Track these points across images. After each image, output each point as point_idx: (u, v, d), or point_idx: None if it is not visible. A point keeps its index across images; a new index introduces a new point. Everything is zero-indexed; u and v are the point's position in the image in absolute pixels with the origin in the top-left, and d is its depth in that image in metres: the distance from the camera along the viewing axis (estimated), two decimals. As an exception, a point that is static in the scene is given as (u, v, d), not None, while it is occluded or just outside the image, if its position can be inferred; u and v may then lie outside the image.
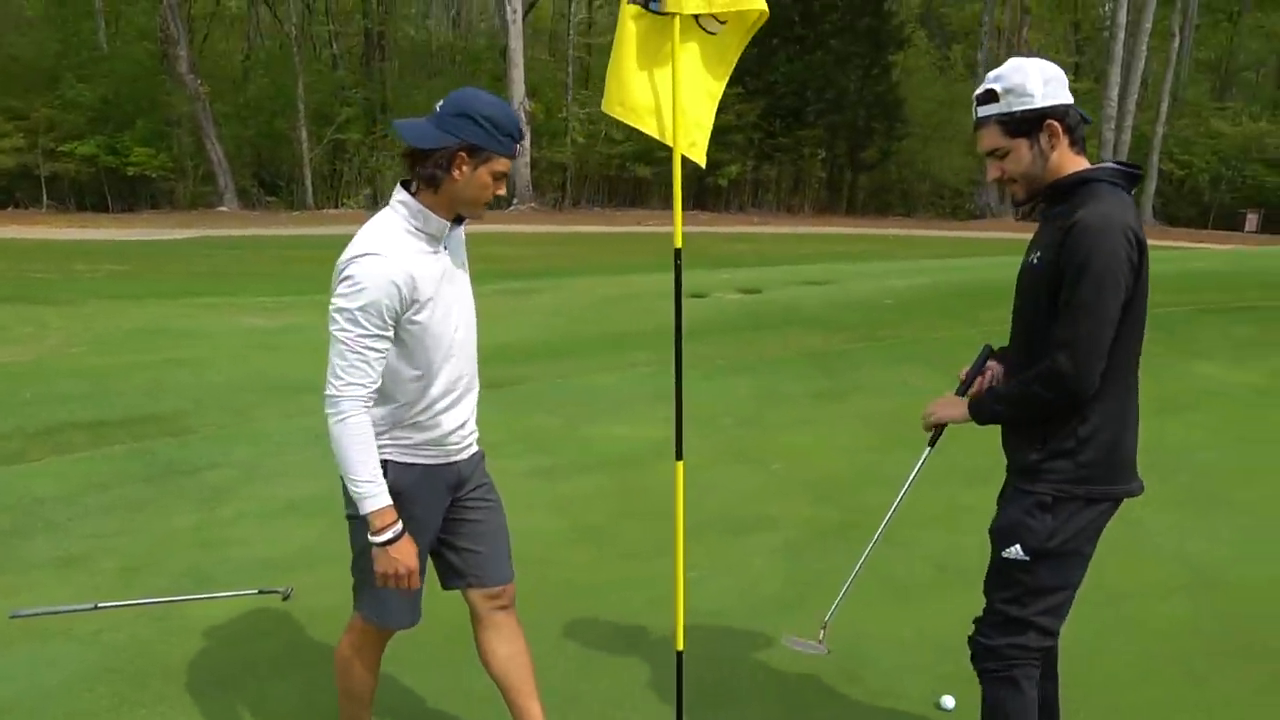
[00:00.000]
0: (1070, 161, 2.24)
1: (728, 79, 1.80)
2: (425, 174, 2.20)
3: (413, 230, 2.25)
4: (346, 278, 2.19)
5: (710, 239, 23.46)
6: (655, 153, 34.49)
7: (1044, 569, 2.25)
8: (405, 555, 2.28)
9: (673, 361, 2.87)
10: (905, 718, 3.04)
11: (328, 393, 2.18)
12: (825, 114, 34.97)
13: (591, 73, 40.42)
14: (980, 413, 2.34)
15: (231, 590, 3.83)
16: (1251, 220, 29.42)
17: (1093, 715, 2.97)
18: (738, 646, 3.45)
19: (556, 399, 6.66)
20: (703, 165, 1.95)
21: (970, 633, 2.39)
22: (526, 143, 30.58)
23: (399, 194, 2.27)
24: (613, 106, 1.81)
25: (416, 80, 39.41)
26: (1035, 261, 2.25)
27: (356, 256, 2.21)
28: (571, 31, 35.76)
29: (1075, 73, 39.55)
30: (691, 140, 1.81)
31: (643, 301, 10.16)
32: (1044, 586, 2.27)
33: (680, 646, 2.50)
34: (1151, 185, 31.66)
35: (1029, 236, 2.40)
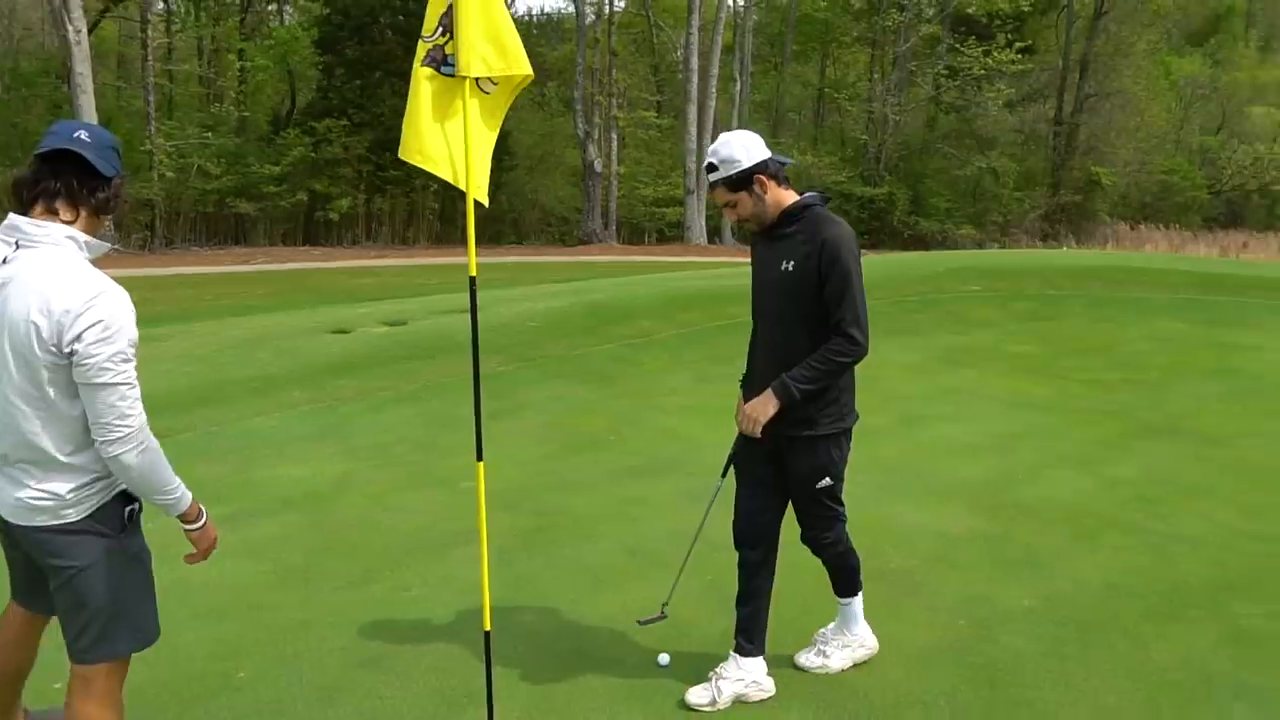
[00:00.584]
0: (784, 196, 3.06)
1: (498, 130, 2.10)
2: (100, 201, 2.29)
3: (88, 260, 2.31)
4: (96, 322, 2.18)
5: (330, 274, 22.78)
6: (258, 187, 32.63)
7: (839, 486, 3.26)
8: (213, 529, 2.62)
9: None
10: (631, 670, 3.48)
11: (123, 434, 2.24)
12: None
13: (175, 102, 37.21)
14: (790, 395, 3.02)
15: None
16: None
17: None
18: (473, 648, 3.67)
19: (218, 447, 6.32)
20: (486, 204, 2.22)
21: (802, 535, 3.34)
22: (105, 177, 27.41)
23: (57, 228, 2.26)
24: (411, 155, 2.02)
25: (-52, 106, 33.73)
26: (790, 269, 2.99)
27: (99, 301, 2.20)
28: (150, 57, 32.68)
29: (658, 110, 43.75)
30: (478, 183, 2.08)
31: (279, 341, 9.79)
32: (840, 494, 3.28)
33: (487, 626, 2.73)
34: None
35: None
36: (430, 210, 36.16)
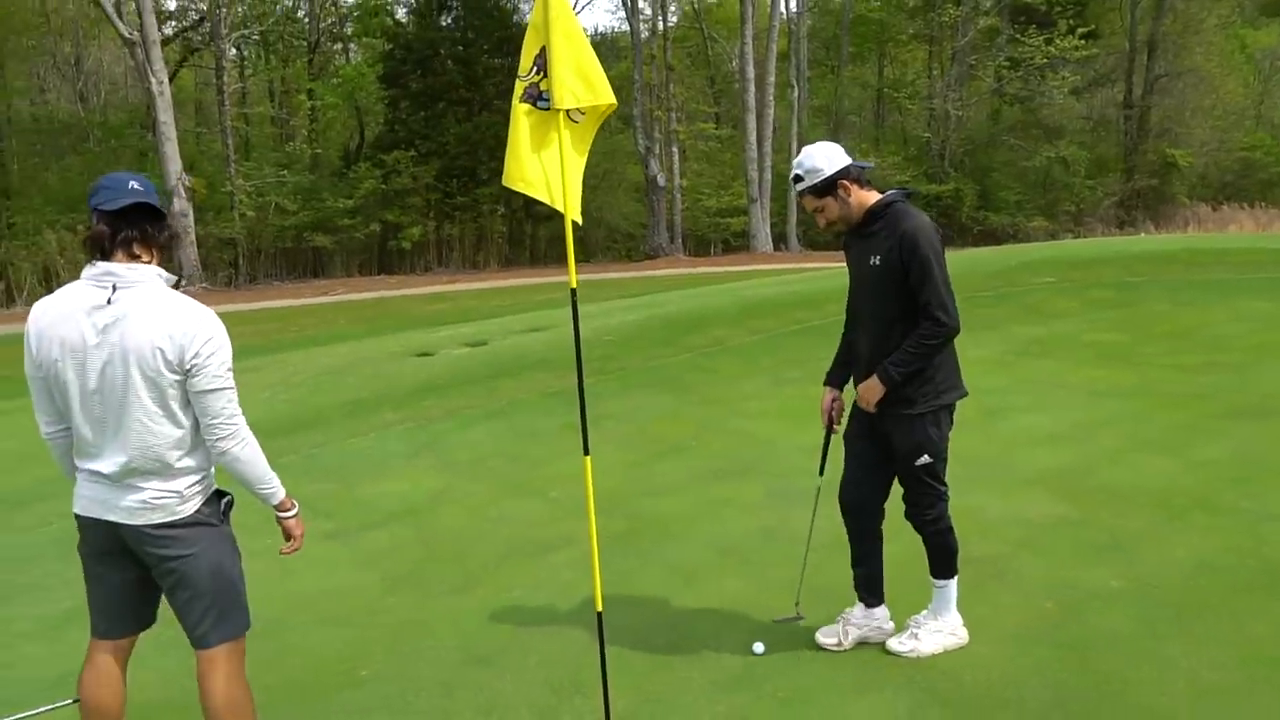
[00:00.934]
0: (868, 197, 3.35)
1: (586, 154, 2.32)
2: (166, 238, 2.68)
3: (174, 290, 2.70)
4: (210, 339, 2.61)
5: (407, 301, 23.43)
6: (332, 221, 33.72)
7: (940, 464, 3.45)
8: (302, 521, 2.97)
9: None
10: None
11: (232, 430, 2.68)
12: (499, 171, 36.01)
13: (251, 144, 38.72)
14: (890, 379, 3.32)
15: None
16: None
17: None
18: (577, 643, 3.87)
19: (320, 467, 6.68)
20: (580, 223, 2.44)
21: (906, 511, 3.54)
22: (190, 221, 28.68)
23: (146, 269, 2.62)
24: (514, 181, 2.25)
25: (44, 161, 35.62)
26: (878, 263, 3.26)
27: (206, 321, 2.63)
28: (226, 102, 34.12)
29: (716, 121, 43.89)
30: (573, 205, 2.30)
31: (367, 366, 10.21)
32: (941, 473, 3.47)
33: (599, 608, 2.92)
34: (794, 216, 35.89)
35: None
36: (499, 234, 36.83)
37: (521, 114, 2.15)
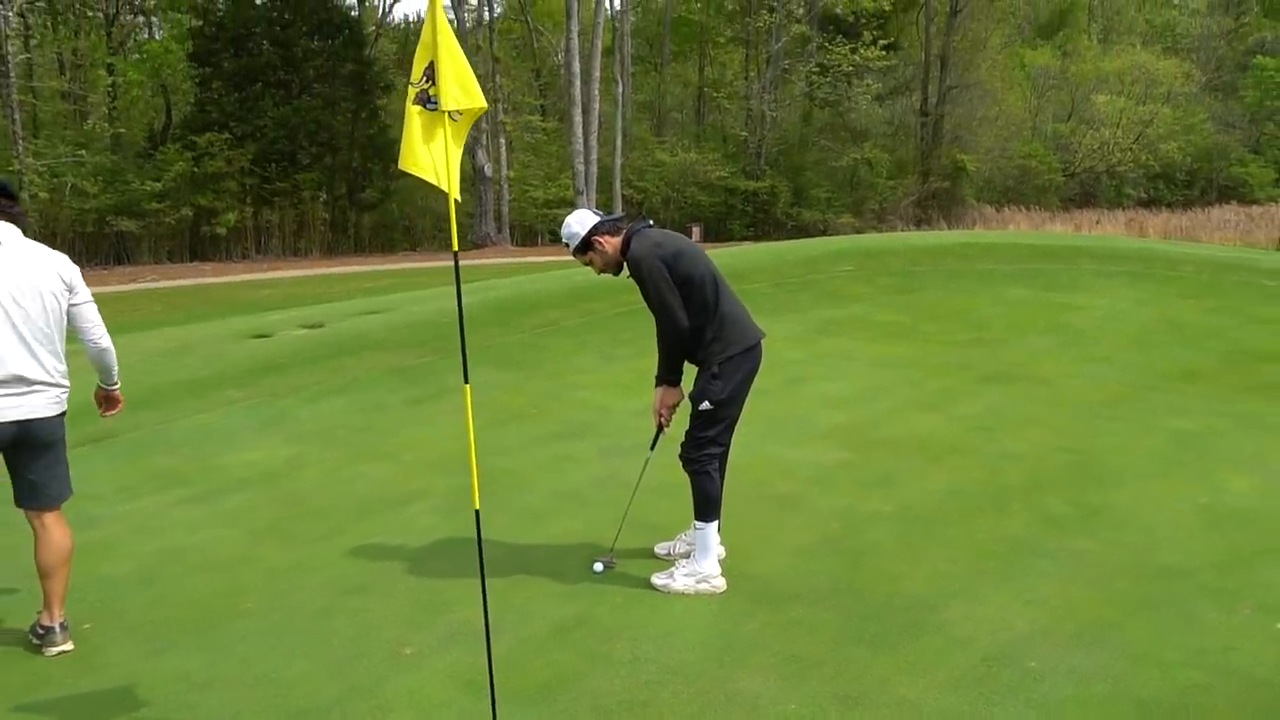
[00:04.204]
0: (619, 243, 4.17)
1: (462, 147, 2.90)
2: (16, 212, 3.75)
3: None
4: (76, 269, 3.84)
5: (230, 288, 22.76)
6: (139, 205, 31.98)
7: (720, 414, 4.10)
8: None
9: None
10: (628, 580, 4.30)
11: (104, 329, 3.91)
12: (320, 157, 35.23)
13: (41, 120, 36.01)
14: (666, 379, 4.21)
15: None
16: (695, 232, 35.71)
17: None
18: (440, 572, 4.42)
19: (168, 441, 6.84)
20: (460, 200, 2.99)
21: (679, 452, 4.17)
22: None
23: (9, 227, 3.71)
24: (409, 165, 2.79)
25: None
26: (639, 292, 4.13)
27: (63, 257, 3.82)
28: (11, 73, 31.61)
29: (543, 113, 44.37)
30: (454, 186, 2.88)
31: (203, 348, 10.20)
32: (715, 426, 4.12)
33: (476, 505, 3.40)
34: (619, 209, 36.93)
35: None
36: (321, 221, 35.96)
37: (415, 114, 2.72)
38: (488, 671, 3.14)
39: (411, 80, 2.70)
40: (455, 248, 3.00)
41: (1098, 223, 34.79)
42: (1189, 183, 47.49)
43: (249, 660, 3.70)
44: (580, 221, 4.18)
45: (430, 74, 2.69)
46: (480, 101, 2.79)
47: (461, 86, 2.80)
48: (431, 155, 2.76)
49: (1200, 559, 4.34)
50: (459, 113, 2.79)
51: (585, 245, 4.17)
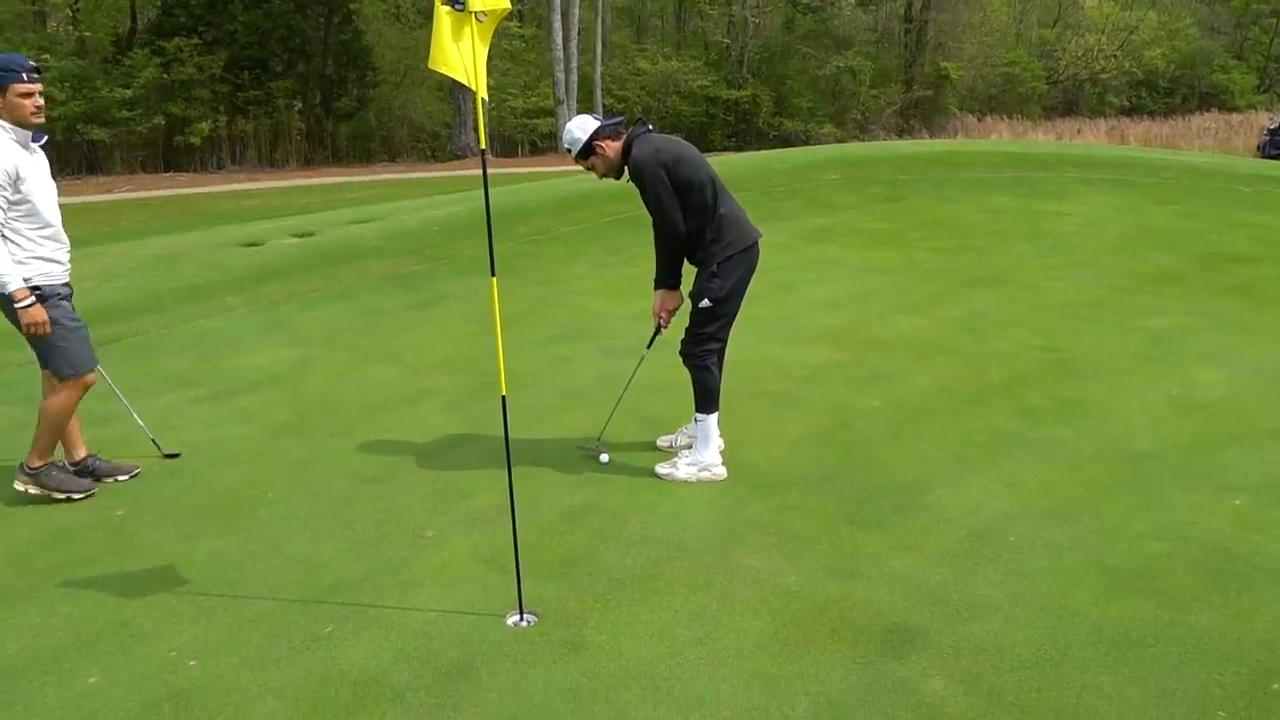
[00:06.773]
0: (620, 147, 4.23)
1: (488, 46, 2.99)
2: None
3: (14, 139, 4.07)
4: None
5: (209, 198, 22.49)
6: (109, 112, 31.22)
7: (719, 311, 4.23)
8: (38, 313, 4.08)
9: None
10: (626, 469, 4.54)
11: None
12: (293, 64, 34.38)
13: (2, 23, 34.76)
14: (666, 282, 4.35)
15: None
16: (677, 143, 35.44)
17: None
18: (454, 463, 4.65)
19: (173, 345, 6.98)
20: (486, 99, 3.09)
21: (679, 349, 4.32)
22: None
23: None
24: (439, 65, 2.87)
25: None
26: (640, 195, 4.23)
27: None
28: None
29: (521, 19, 43.25)
30: (482, 85, 2.98)
31: (196, 256, 10.22)
32: (715, 323, 4.26)
33: (504, 391, 3.56)
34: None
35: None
36: (297, 131, 35.24)
37: (444, 14, 2.79)
38: (513, 549, 3.36)
39: (442, -18, 2.79)
40: (484, 146, 3.12)
41: (1079, 131, 34.80)
42: (1171, 90, 47.28)
43: (279, 543, 3.93)
44: (581, 126, 4.23)
45: (457, -26, 2.78)
46: (504, 2, 2.87)
47: (487, -11, 2.88)
48: (461, 55, 2.86)
49: (1169, 445, 4.63)
50: (484, 13, 2.88)
51: (587, 150, 4.23)
